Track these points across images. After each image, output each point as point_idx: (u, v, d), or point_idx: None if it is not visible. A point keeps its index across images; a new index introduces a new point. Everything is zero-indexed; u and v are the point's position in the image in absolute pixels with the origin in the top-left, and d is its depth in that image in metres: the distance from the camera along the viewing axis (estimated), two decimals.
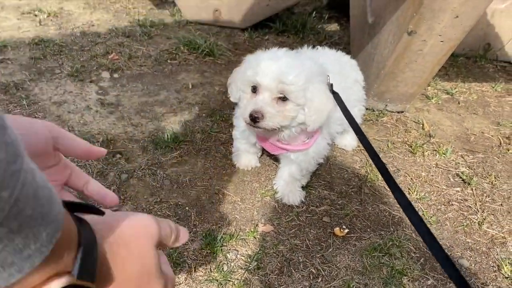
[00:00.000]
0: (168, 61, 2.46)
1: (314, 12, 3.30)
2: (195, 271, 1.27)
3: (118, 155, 1.68)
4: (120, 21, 2.96)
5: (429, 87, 2.48)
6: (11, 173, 0.27)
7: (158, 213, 1.45)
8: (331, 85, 1.32)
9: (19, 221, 0.28)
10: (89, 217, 0.39)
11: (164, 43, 2.70)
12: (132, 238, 0.43)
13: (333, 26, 3.28)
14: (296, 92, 1.24)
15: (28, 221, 0.29)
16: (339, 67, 1.56)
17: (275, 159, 1.69)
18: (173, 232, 0.48)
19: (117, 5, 3.26)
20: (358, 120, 1.78)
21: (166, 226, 0.48)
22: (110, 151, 1.68)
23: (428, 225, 1.51)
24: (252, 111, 1.24)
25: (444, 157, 1.90)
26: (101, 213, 0.41)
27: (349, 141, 1.89)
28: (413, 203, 1.60)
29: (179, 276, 1.25)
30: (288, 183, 1.54)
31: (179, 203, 1.51)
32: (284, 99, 1.26)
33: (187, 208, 1.49)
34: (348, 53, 2.68)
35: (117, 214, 0.44)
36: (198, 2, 2.92)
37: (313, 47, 1.67)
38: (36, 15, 2.91)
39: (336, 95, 1.26)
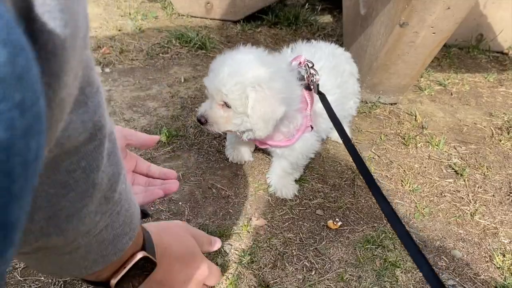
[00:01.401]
0: (160, 54, 2.44)
1: (307, 4, 3.29)
2: None
3: None
4: (111, 15, 2.93)
5: (422, 79, 2.49)
6: (115, 180, 0.41)
7: (152, 208, 1.45)
8: (317, 86, 1.30)
9: (123, 216, 0.44)
10: None
11: (156, 36, 2.67)
12: (170, 228, 0.58)
13: (326, 18, 3.26)
14: (233, 101, 1.24)
15: (127, 216, 0.45)
16: (334, 62, 1.54)
17: (268, 153, 1.68)
18: (205, 236, 0.63)
19: None
20: (353, 112, 1.77)
21: (197, 230, 0.65)
22: None
23: (421, 217, 1.52)
24: (198, 114, 1.32)
25: (437, 148, 1.91)
26: (149, 215, 0.60)
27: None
28: (406, 195, 1.61)
29: None
30: (280, 177, 1.54)
31: (172, 198, 1.51)
32: (228, 105, 1.27)
33: (180, 203, 1.49)
34: (341, 45, 2.67)
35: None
36: None
37: (308, 40, 1.65)
38: None
39: (322, 96, 1.22)
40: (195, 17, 3.00)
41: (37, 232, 0.36)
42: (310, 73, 1.33)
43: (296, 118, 1.38)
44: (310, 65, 1.35)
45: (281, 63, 1.35)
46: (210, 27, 2.91)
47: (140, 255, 0.49)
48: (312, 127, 1.45)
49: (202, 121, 1.31)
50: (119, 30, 2.66)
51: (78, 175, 0.35)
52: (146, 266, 0.50)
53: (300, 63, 1.37)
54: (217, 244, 0.68)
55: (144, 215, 0.55)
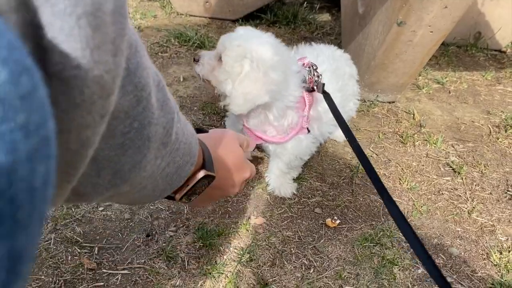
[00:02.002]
0: (159, 54, 2.45)
1: (305, 3, 3.29)
2: (188, 264, 1.28)
3: None
4: None
5: (420, 77, 2.50)
6: (170, 126, 0.44)
7: (151, 207, 1.46)
8: (323, 85, 1.30)
9: (182, 149, 0.48)
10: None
11: (154, 35, 2.68)
12: (222, 140, 0.65)
13: (325, 17, 3.27)
14: (227, 57, 1.26)
15: (186, 148, 0.49)
16: (335, 65, 1.55)
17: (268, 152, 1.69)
18: (245, 140, 0.72)
19: None
20: (352, 113, 1.78)
21: (241, 135, 0.72)
22: None
23: (419, 215, 1.53)
24: (196, 55, 1.39)
25: (435, 146, 1.92)
26: (207, 131, 0.66)
27: (341, 132, 1.88)
28: (404, 193, 1.62)
29: (172, 270, 1.26)
30: (278, 176, 1.55)
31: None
32: (222, 59, 1.30)
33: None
34: (339, 43, 2.68)
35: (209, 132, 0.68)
36: None
37: (309, 42, 1.66)
38: None
39: (326, 95, 1.22)
40: (194, 16, 3.01)
41: (106, 185, 0.39)
42: (314, 75, 1.34)
43: (288, 115, 1.37)
44: (314, 67, 1.36)
45: (290, 60, 1.35)
46: (209, 26, 2.92)
47: (201, 174, 0.54)
48: (308, 130, 1.45)
49: (196, 59, 1.38)
50: None
51: (133, 135, 0.37)
52: (206, 180, 0.57)
53: (303, 64, 1.38)
54: (253, 145, 0.79)
55: (201, 131, 0.64)
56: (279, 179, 1.56)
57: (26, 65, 0.18)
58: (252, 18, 3.02)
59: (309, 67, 1.36)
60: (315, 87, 1.34)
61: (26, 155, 0.18)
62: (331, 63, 1.53)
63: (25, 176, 0.18)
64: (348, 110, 1.71)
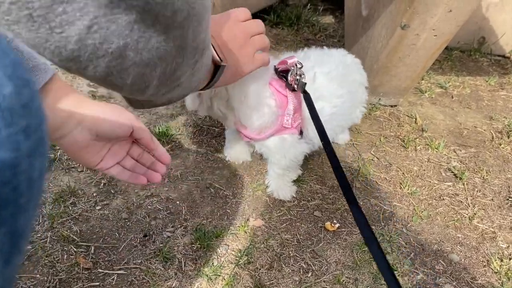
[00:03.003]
0: None
1: (309, 4, 3.28)
2: (185, 265, 1.27)
3: None
4: None
5: (422, 81, 2.48)
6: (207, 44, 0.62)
7: (149, 207, 1.45)
8: (304, 84, 1.26)
9: (206, 61, 0.64)
10: None
11: None
12: (224, 24, 0.83)
13: (328, 19, 3.26)
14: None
15: (208, 59, 0.66)
16: (344, 71, 1.52)
17: None
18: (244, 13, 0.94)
19: None
20: (357, 120, 1.76)
21: (241, 11, 0.93)
22: None
23: (419, 220, 1.51)
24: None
25: (436, 151, 1.90)
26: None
27: (344, 135, 1.87)
28: (404, 197, 1.60)
29: (169, 271, 1.25)
30: (276, 178, 1.54)
31: (170, 197, 1.50)
32: None
33: (178, 202, 1.49)
34: (342, 45, 2.67)
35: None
36: None
37: (321, 47, 1.61)
38: None
39: (306, 96, 1.18)
40: None
41: (155, 89, 0.55)
42: (297, 73, 1.28)
43: (261, 113, 1.34)
44: (299, 66, 1.30)
45: None
46: None
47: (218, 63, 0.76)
48: (302, 132, 1.43)
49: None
50: None
51: (188, 42, 0.52)
52: (220, 69, 0.77)
53: (288, 63, 1.31)
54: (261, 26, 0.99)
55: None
56: (277, 181, 1.54)
57: (27, 79, 0.23)
58: (255, 18, 3.00)
59: (293, 66, 1.31)
60: (295, 86, 1.29)
61: (27, 152, 0.22)
62: (339, 68, 1.49)
63: (25, 169, 0.22)
64: (354, 117, 1.70)
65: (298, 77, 1.28)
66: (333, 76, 1.45)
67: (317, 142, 1.49)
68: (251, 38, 0.89)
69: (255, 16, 2.93)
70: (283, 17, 3.02)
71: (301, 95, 1.26)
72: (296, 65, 1.30)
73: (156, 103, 0.68)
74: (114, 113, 0.70)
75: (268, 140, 1.43)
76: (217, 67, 0.77)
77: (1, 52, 0.21)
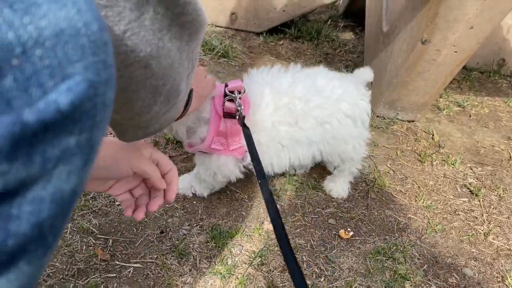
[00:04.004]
0: None
1: (329, 20, 3.33)
2: (199, 263, 1.29)
3: None
4: None
5: (440, 99, 2.49)
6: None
7: (166, 205, 1.48)
8: (243, 118, 1.14)
9: (182, 100, 0.60)
10: None
11: None
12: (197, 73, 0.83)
13: (348, 35, 3.30)
14: None
15: (184, 96, 0.60)
16: (318, 101, 1.34)
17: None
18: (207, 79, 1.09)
19: None
20: (354, 156, 1.52)
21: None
22: None
23: (433, 233, 1.51)
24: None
25: (453, 167, 1.90)
26: None
27: (336, 186, 1.65)
28: (419, 210, 1.61)
29: (184, 267, 1.27)
30: (193, 177, 1.49)
31: (187, 197, 1.53)
32: None
33: (194, 202, 1.52)
34: (361, 61, 2.70)
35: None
36: (216, 5, 2.96)
37: (322, 66, 1.49)
38: None
39: (245, 130, 1.03)
40: (220, 26, 3.06)
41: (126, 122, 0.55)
42: (238, 103, 1.20)
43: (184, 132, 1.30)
44: (239, 95, 1.21)
45: None
46: (234, 37, 2.97)
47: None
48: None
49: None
50: None
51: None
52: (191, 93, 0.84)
53: (226, 87, 1.24)
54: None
55: None
56: (191, 178, 1.51)
57: (106, 24, 0.27)
58: (276, 32, 3.06)
59: (232, 92, 1.21)
60: (237, 117, 1.20)
61: (104, 80, 0.26)
62: (305, 97, 1.32)
63: (102, 93, 0.26)
64: (342, 152, 1.48)
65: (239, 108, 1.19)
66: (280, 98, 1.32)
67: (270, 170, 1.41)
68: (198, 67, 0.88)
69: (276, 29, 3.00)
70: (304, 31, 3.07)
71: (239, 126, 1.16)
72: (237, 92, 1.21)
73: (146, 131, 0.60)
74: (115, 156, 0.66)
75: (202, 157, 1.38)
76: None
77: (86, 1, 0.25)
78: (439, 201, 1.69)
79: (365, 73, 1.52)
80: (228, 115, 1.22)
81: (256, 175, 0.87)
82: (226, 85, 1.24)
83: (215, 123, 1.25)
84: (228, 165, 1.36)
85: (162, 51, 0.43)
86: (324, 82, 1.37)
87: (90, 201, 1.45)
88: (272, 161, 1.38)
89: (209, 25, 3.06)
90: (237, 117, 1.19)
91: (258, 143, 1.20)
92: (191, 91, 0.76)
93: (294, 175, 1.70)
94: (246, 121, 1.14)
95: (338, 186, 1.64)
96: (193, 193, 1.53)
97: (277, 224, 0.64)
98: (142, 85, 0.45)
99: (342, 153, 1.49)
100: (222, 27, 3.07)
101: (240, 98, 1.20)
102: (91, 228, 1.35)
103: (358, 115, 1.41)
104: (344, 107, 1.37)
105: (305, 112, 1.32)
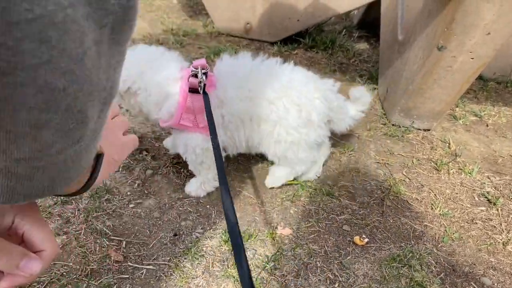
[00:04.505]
0: None
1: (344, 30, 3.34)
2: (212, 266, 1.28)
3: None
4: (154, 29, 3.05)
5: (457, 108, 2.46)
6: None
7: (180, 208, 1.47)
8: (204, 86, 1.29)
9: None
10: None
11: (195, 52, 2.77)
12: (111, 129, 0.61)
13: (363, 45, 3.29)
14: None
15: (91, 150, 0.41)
16: (273, 83, 1.43)
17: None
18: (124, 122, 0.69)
19: (153, 14, 3.37)
20: (292, 155, 1.52)
21: (119, 120, 0.68)
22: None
23: (450, 241, 1.48)
24: None
25: (470, 176, 1.87)
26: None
27: (270, 175, 1.67)
28: (435, 218, 1.58)
29: (197, 269, 1.26)
30: (194, 180, 1.59)
31: (201, 201, 1.53)
32: None
33: (208, 206, 1.51)
34: (376, 70, 2.69)
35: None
36: (231, 14, 2.99)
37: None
38: None
39: (205, 97, 1.24)
40: (234, 36, 3.09)
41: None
42: (200, 77, 1.30)
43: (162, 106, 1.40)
44: (203, 70, 1.32)
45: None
46: (248, 46, 2.99)
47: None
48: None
49: None
50: (161, 44, 2.77)
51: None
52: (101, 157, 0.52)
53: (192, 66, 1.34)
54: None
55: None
56: (195, 180, 1.58)
57: None
58: (290, 41, 3.08)
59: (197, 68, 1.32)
60: (199, 89, 1.30)
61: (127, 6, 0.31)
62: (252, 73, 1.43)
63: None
64: (277, 141, 1.48)
65: (201, 80, 1.29)
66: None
67: (229, 148, 1.52)
68: (112, 121, 0.70)
69: (290, 39, 3.01)
70: (318, 41, 3.08)
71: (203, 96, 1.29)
72: (200, 68, 1.32)
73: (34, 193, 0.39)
74: None
75: (175, 134, 1.49)
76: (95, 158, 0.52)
77: None
78: (456, 210, 1.66)
79: (361, 93, 1.61)
80: (193, 90, 1.32)
81: (211, 138, 0.97)
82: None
83: (183, 100, 1.35)
84: (195, 139, 1.43)
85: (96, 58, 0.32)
86: (287, 71, 1.48)
87: (105, 203, 1.45)
88: (233, 135, 1.47)
89: (223, 34, 3.09)
90: (200, 89, 1.29)
91: (221, 117, 1.40)
92: (101, 155, 0.51)
93: (308, 181, 1.69)
94: (212, 98, 1.34)
95: (273, 172, 1.64)
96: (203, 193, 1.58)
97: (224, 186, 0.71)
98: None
99: (277, 142, 1.48)
100: (236, 36, 3.09)
101: (205, 74, 1.31)
102: (104, 229, 1.35)
103: (304, 105, 1.43)
104: (293, 94, 1.42)
105: (260, 90, 1.41)
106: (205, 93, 1.27)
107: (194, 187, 1.55)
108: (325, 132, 1.54)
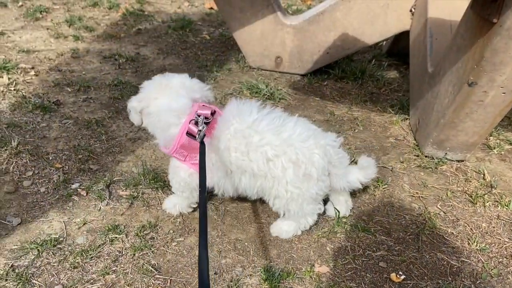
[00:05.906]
0: None
1: (374, 60, 3.39)
2: None
3: None
4: (189, 66, 3.20)
5: (491, 137, 2.45)
6: None
7: (220, 246, 1.54)
8: (203, 136, 1.44)
9: None
10: None
11: (228, 87, 2.88)
12: None
13: (392, 74, 3.33)
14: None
15: None
16: (271, 138, 1.45)
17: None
18: None
19: (188, 51, 3.52)
20: (296, 208, 1.52)
21: None
22: None
23: (489, 278, 1.48)
24: None
25: (507, 208, 1.85)
26: None
27: (278, 224, 1.65)
28: (472, 254, 1.58)
29: None
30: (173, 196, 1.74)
31: (239, 238, 1.59)
32: None
33: (246, 243, 1.57)
34: (407, 100, 2.72)
35: None
36: (262, 50, 3.10)
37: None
38: (116, 59, 3.22)
39: (202, 146, 1.39)
40: (265, 70, 3.19)
41: None
42: (199, 129, 1.45)
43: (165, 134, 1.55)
44: (202, 120, 1.47)
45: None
46: (279, 79, 3.08)
47: None
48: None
49: None
50: None
51: None
52: None
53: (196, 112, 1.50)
54: None
55: None
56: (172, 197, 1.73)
57: None
58: (320, 73, 3.15)
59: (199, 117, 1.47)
60: (196, 136, 1.44)
61: None
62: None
63: None
64: (276, 196, 1.51)
65: (199, 132, 1.44)
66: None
67: (216, 190, 1.63)
68: None
69: (320, 70, 3.09)
70: (348, 71, 3.14)
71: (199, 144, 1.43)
72: (200, 116, 1.47)
73: None
74: None
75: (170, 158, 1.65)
76: None
77: None
78: (493, 244, 1.66)
79: (369, 163, 1.63)
80: (190, 135, 1.47)
81: (200, 185, 1.10)
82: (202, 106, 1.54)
83: (181, 136, 1.50)
84: (182, 169, 1.59)
85: None
86: (290, 125, 1.49)
87: (149, 242, 1.54)
88: (220, 182, 1.59)
89: (254, 69, 3.20)
90: (197, 139, 1.44)
91: (211, 162, 1.54)
92: None
93: (343, 217, 1.72)
94: (208, 141, 1.48)
95: (279, 225, 1.64)
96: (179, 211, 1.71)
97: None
98: None
99: (277, 197, 1.51)
100: (267, 70, 3.19)
101: (207, 123, 1.46)
102: (150, 268, 1.43)
103: (301, 163, 1.44)
104: (290, 151, 1.43)
105: (257, 145, 1.45)
106: (203, 143, 1.42)
107: (170, 205, 1.71)
108: (327, 184, 1.55)
